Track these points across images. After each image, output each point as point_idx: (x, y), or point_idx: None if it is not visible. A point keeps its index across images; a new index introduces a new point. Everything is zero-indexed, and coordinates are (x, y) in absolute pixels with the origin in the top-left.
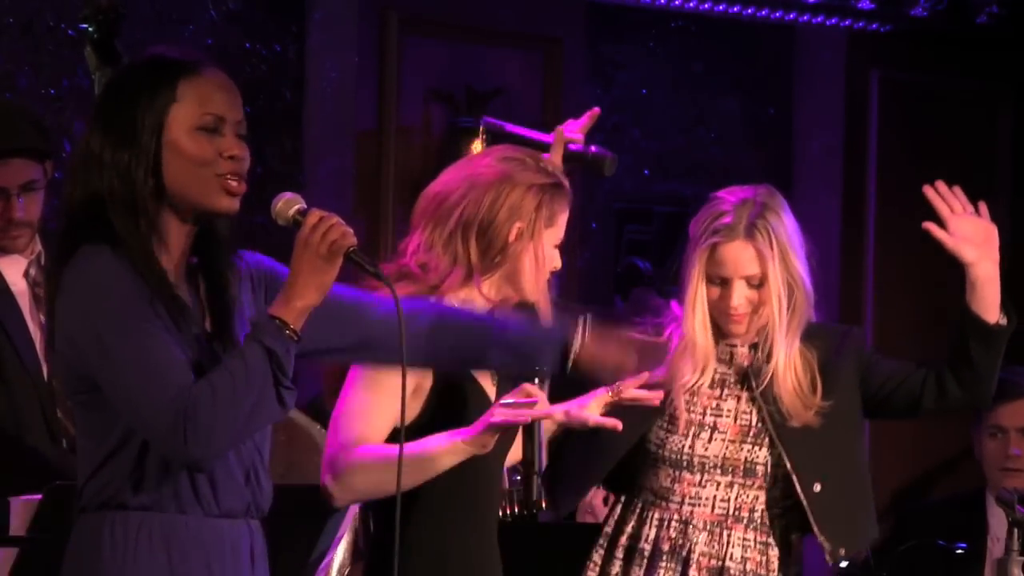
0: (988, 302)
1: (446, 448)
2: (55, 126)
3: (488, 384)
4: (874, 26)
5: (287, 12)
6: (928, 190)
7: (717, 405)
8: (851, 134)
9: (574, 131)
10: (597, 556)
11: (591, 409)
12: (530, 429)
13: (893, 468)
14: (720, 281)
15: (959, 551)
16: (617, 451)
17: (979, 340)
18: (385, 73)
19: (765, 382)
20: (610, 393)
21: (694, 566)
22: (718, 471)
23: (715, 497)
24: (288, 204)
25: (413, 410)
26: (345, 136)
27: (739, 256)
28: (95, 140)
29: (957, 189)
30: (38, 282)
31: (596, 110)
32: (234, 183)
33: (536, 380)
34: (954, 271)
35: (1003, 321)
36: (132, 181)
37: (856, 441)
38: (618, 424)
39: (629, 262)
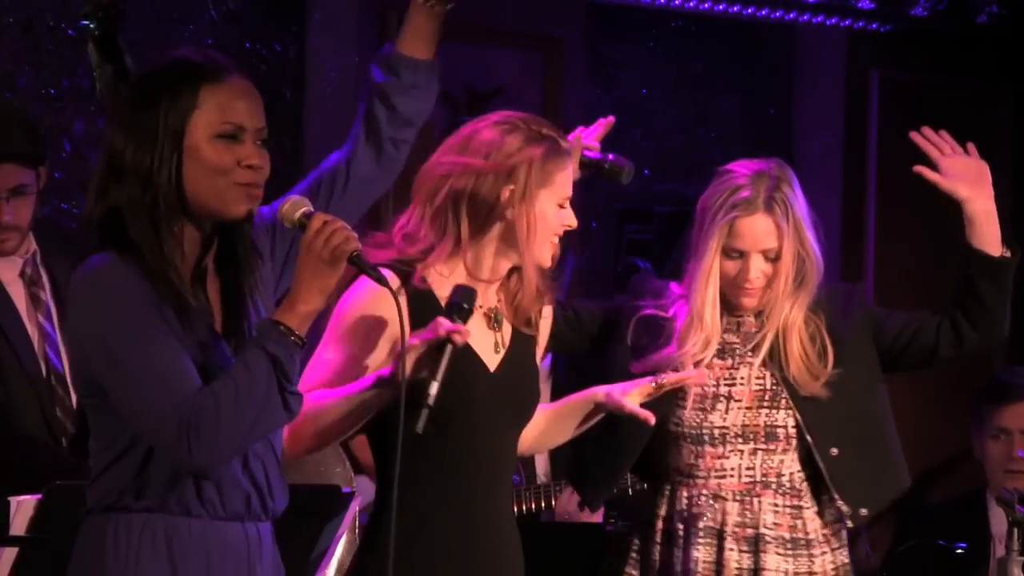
0: (989, 237)
1: (364, 381)
2: (55, 126)
3: (487, 351)
4: (874, 26)
5: (287, 12)
6: (916, 136)
7: (730, 375)
8: (851, 134)
9: (590, 139)
10: (637, 544)
11: (632, 397)
12: (437, 356)
13: None
14: (737, 255)
15: (959, 551)
16: (642, 437)
17: (985, 275)
18: None
19: (772, 349)
20: (654, 384)
21: (730, 538)
22: (740, 440)
23: (740, 466)
24: (295, 206)
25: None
26: (345, 136)
27: (759, 229)
28: (118, 142)
29: (944, 132)
30: (34, 282)
31: (610, 119)
32: (248, 190)
33: (454, 317)
34: (953, 271)
35: (1007, 253)
36: (154, 186)
37: (875, 400)
38: (651, 417)
39: (629, 262)
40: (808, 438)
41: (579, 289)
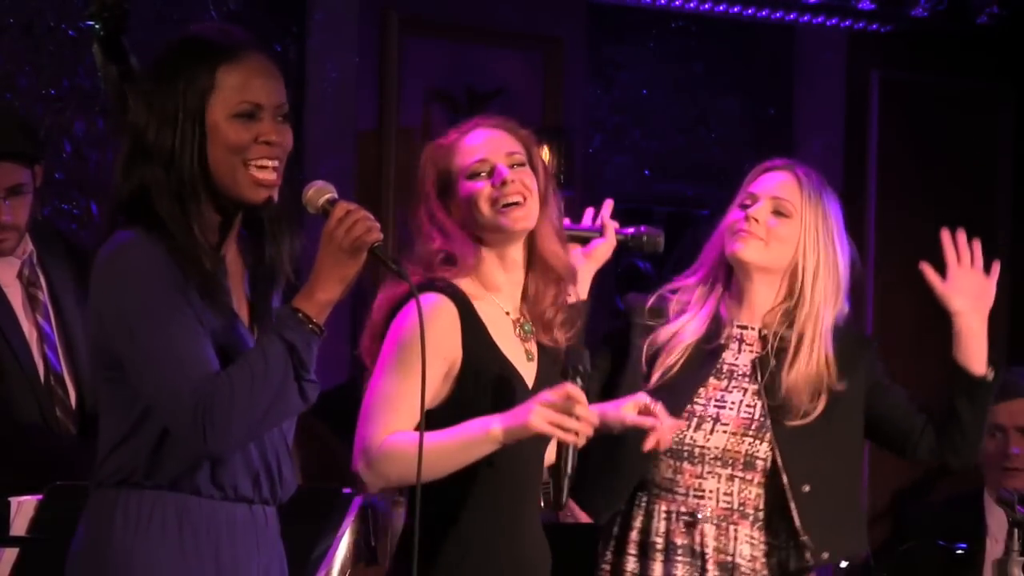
0: (972, 354)
1: (478, 437)
2: (55, 126)
3: (523, 363)
4: (874, 26)
5: (287, 12)
6: (945, 234)
7: (722, 397)
8: (851, 134)
9: (608, 219)
10: (609, 555)
11: (627, 410)
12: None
13: (893, 468)
14: (750, 201)
15: (959, 551)
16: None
17: (963, 392)
18: (385, 73)
19: (772, 374)
20: (648, 403)
21: (711, 560)
22: (718, 463)
23: (718, 490)
24: (319, 192)
25: (444, 392)
26: (345, 136)
27: (777, 180)
28: (141, 120)
29: (976, 243)
30: (32, 282)
31: (609, 201)
32: (262, 173)
33: (578, 380)
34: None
35: (989, 376)
36: (179, 168)
37: (854, 455)
38: (655, 421)
39: (629, 262)
40: (783, 471)
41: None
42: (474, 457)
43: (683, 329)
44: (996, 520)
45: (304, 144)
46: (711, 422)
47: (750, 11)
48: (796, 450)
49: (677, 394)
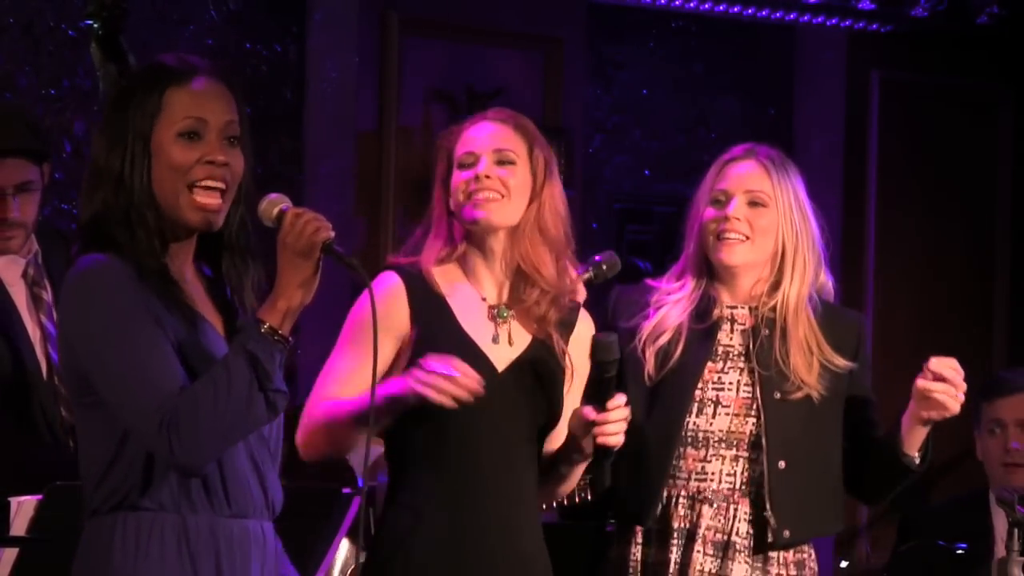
0: (913, 441)
1: (362, 401)
2: (55, 126)
3: (487, 344)
4: (874, 26)
5: (287, 12)
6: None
7: (719, 379)
8: (851, 134)
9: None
10: (618, 544)
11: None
12: (602, 391)
13: None
14: (723, 197)
15: (960, 552)
16: (671, 439)
17: (889, 456)
18: (385, 73)
19: (763, 343)
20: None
21: (699, 540)
22: (723, 445)
23: (721, 471)
24: (272, 204)
25: (400, 366)
26: (345, 136)
27: (745, 172)
28: (97, 148)
29: (963, 388)
30: (36, 281)
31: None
32: (204, 197)
33: (610, 370)
34: (953, 271)
35: (913, 464)
36: (128, 191)
37: (837, 428)
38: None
39: (629, 262)
40: (763, 444)
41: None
42: (365, 425)
43: (669, 312)
44: (1002, 520)
45: (304, 144)
46: (712, 405)
47: (750, 11)
48: (781, 425)
49: (681, 382)
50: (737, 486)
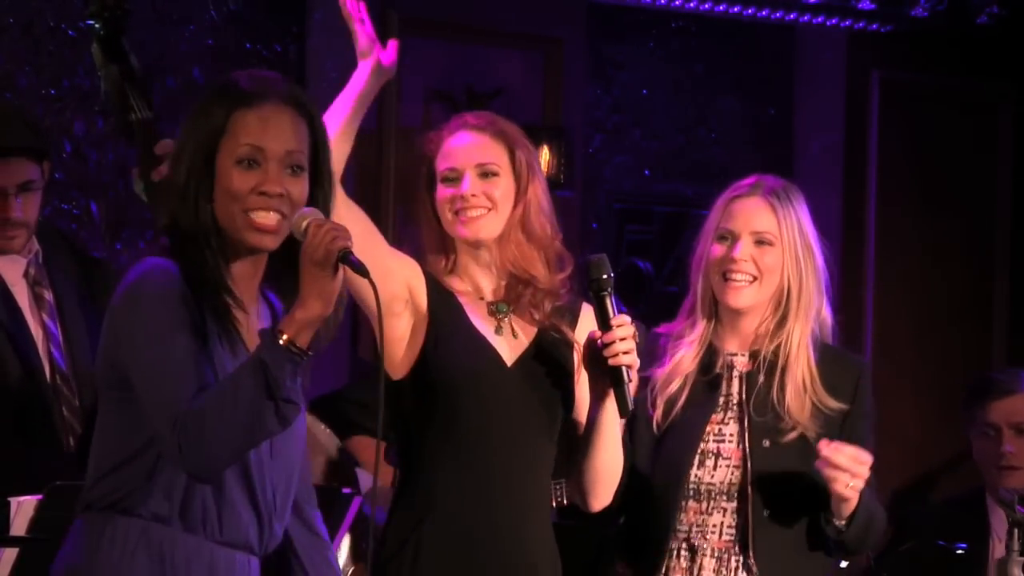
0: (841, 510)
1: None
2: (55, 126)
3: (491, 335)
4: (874, 26)
5: (287, 12)
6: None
7: (720, 430)
8: (851, 134)
9: None
10: None
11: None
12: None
13: (893, 468)
14: (729, 237)
15: (959, 551)
16: (675, 493)
17: (826, 526)
18: None
19: (759, 391)
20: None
21: None
22: (724, 498)
23: (722, 524)
24: (302, 217)
25: (405, 319)
26: None
27: (752, 209)
28: (170, 159)
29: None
30: (38, 281)
31: None
32: (261, 218)
33: (607, 290)
34: (953, 272)
35: (839, 526)
36: (194, 211)
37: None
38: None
39: (629, 262)
40: (749, 489)
41: (580, 289)
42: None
43: (681, 359)
44: (1000, 520)
45: None
46: (713, 457)
47: (750, 11)
48: (766, 472)
49: (687, 434)
50: (737, 538)
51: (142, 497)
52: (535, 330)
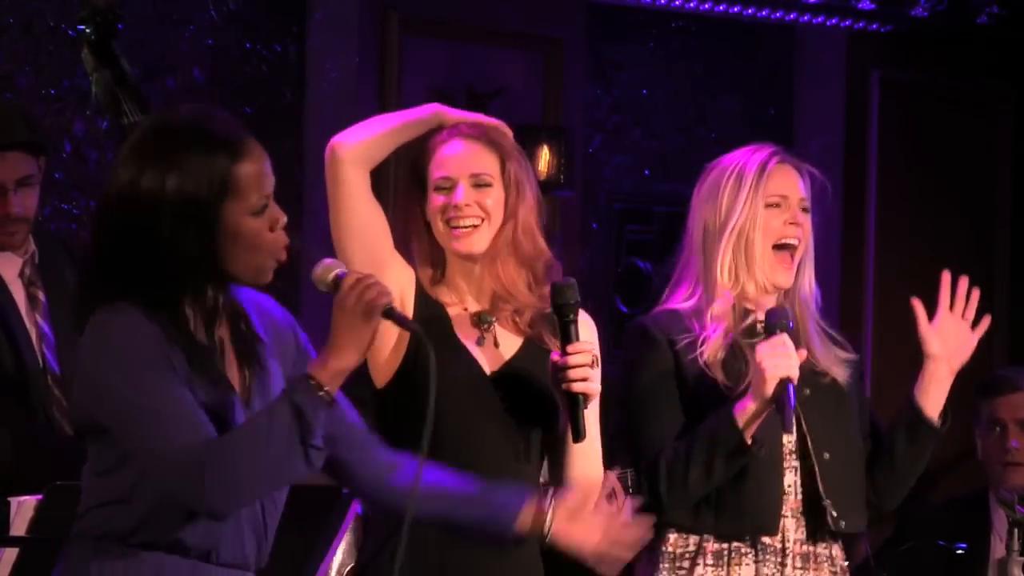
0: (931, 399)
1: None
2: (55, 126)
3: (473, 345)
4: (874, 26)
5: (287, 12)
6: (945, 276)
7: None
8: (851, 134)
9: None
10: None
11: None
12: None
13: None
14: (778, 202)
15: (959, 551)
16: (777, 422)
17: (908, 429)
18: (385, 73)
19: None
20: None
21: (794, 553)
22: (793, 456)
23: (796, 483)
24: (327, 269)
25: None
26: None
27: (795, 177)
28: (156, 206)
29: (975, 293)
30: (32, 282)
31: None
32: (283, 254)
33: (570, 316)
34: (953, 271)
35: (937, 423)
36: (184, 258)
37: (859, 425)
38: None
39: (629, 262)
40: (808, 438)
41: (580, 289)
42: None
43: (720, 332)
44: (1001, 520)
45: (304, 145)
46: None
47: (750, 11)
48: (818, 421)
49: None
50: (805, 497)
51: (134, 527)
52: (520, 340)
